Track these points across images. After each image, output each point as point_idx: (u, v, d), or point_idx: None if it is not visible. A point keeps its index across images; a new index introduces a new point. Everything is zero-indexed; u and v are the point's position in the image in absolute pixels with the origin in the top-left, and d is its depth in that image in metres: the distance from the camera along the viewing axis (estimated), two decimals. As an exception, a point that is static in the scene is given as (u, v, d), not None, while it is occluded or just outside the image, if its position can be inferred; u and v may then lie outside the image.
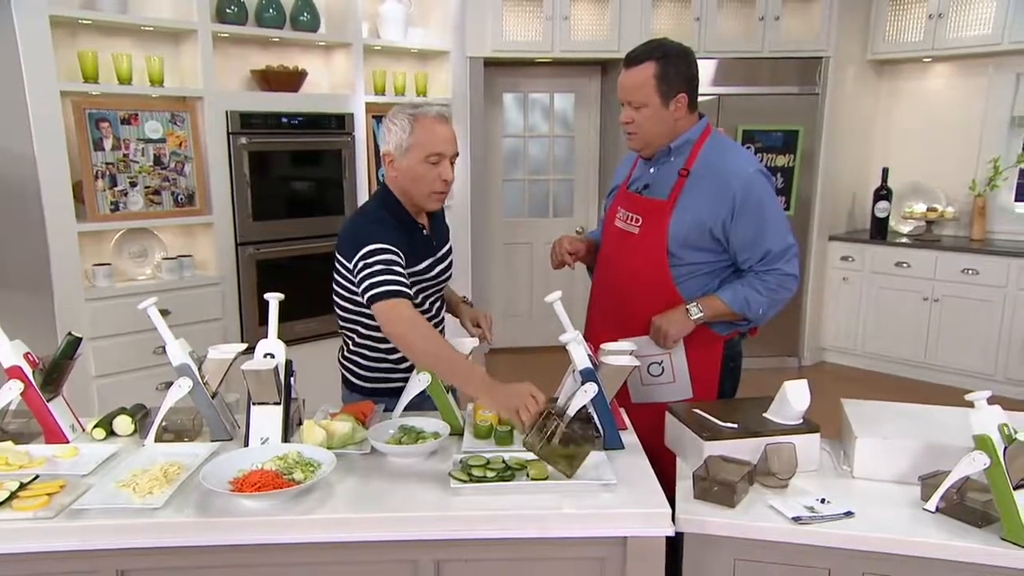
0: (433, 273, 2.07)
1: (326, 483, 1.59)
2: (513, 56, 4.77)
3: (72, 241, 3.12)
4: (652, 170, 2.17)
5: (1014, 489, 1.45)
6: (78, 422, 1.91)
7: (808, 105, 4.89)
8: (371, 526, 1.49)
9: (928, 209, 5.07)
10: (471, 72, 4.65)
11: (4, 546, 1.44)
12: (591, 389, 1.71)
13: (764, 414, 1.80)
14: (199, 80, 3.45)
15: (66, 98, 3.09)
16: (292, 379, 1.83)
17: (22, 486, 1.53)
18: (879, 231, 5.06)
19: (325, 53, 4.15)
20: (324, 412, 1.91)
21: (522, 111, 5.37)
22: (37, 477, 1.59)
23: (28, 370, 1.80)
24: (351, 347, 2.12)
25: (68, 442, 1.81)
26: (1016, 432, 1.49)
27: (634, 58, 2.05)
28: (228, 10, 3.57)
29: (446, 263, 2.14)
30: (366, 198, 4.03)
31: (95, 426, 1.86)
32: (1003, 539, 1.46)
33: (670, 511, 1.51)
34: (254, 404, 1.75)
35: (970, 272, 4.62)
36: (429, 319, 2.05)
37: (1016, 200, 4.92)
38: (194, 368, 1.80)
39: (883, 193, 5.01)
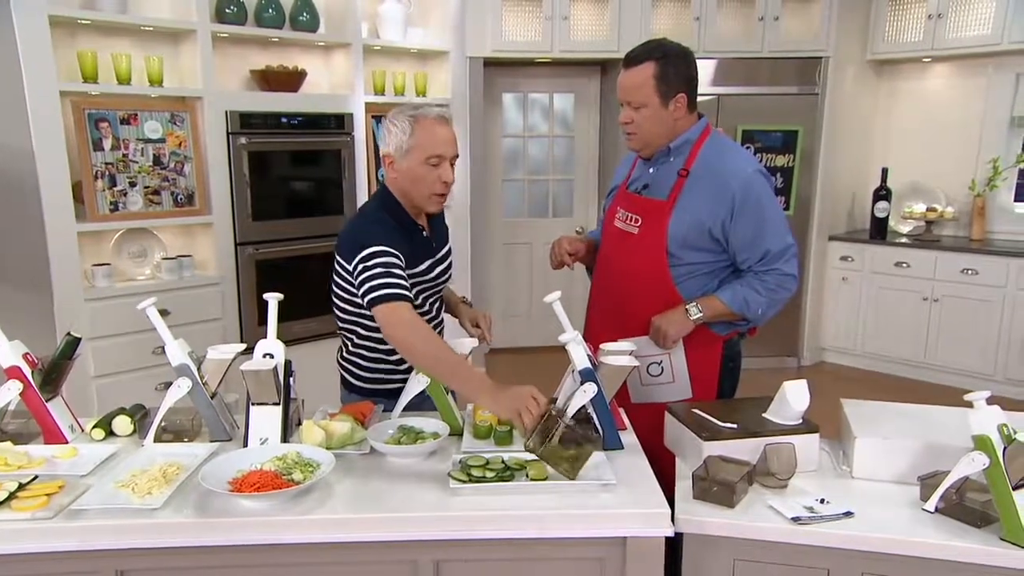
0: (433, 274, 2.07)
1: (325, 483, 1.59)
2: (513, 56, 4.77)
3: (71, 241, 3.12)
4: (651, 170, 2.17)
5: (1013, 489, 1.45)
6: (77, 422, 1.91)
7: (808, 105, 4.90)
8: (370, 526, 1.49)
9: (928, 209, 5.07)
10: (471, 72, 4.64)
11: (3, 547, 1.44)
12: (590, 389, 1.70)
13: (763, 414, 1.80)
14: (198, 80, 3.45)
15: (65, 98, 3.09)
16: (291, 379, 1.83)
17: (21, 486, 1.53)
18: (879, 231, 5.07)
19: (324, 53, 4.15)
20: (323, 412, 1.91)
21: (522, 111, 5.37)
22: (36, 477, 1.59)
23: (27, 370, 1.80)
24: (350, 348, 2.12)
25: (67, 442, 1.81)
26: (1015, 432, 1.49)
27: (633, 58, 2.05)
28: (227, 10, 3.57)
29: (445, 264, 2.14)
30: (365, 198, 4.03)
31: (94, 426, 1.86)
32: (1002, 539, 1.46)
33: (669, 511, 1.51)
34: (253, 404, 1.75)
35: (969, 272, 4.62)
36: (428, 320, 2.05)
37: (1015, 200, 4.92)
38: (193, 368, 1.80)
39: (883, 193, 5.02)
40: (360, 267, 1.85)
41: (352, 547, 1.49)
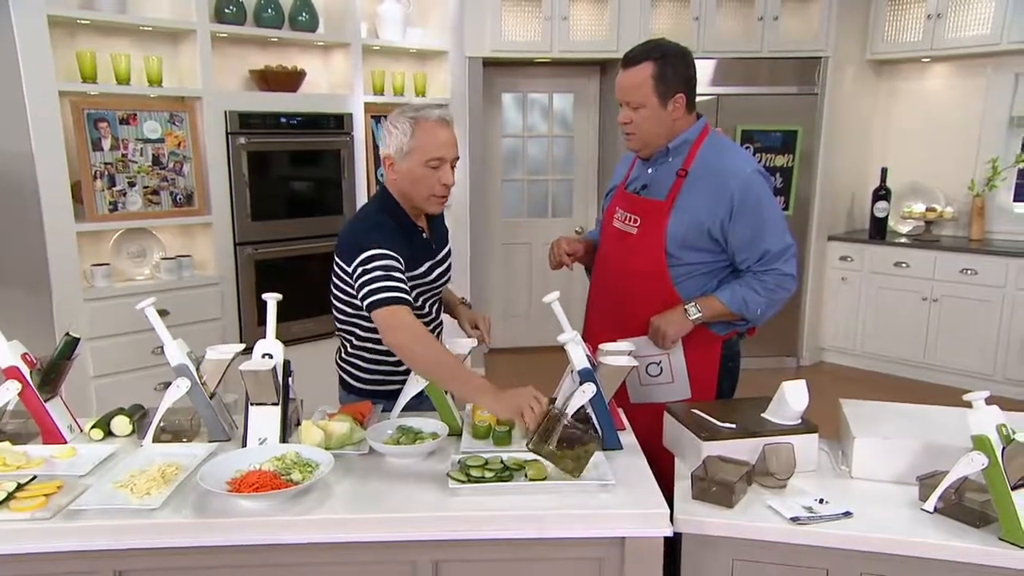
0: (432, 276, 2.06)
1: (324, 484, 1.59)
2: (512, 56, 4.77)
3: (71, 241, 3.12)
4: (650, 170, 2.16)
5: (1012, 489, 1.45)
6: (76, 422, 1.91)
7: (807, 105, 4.90)
8: (369, 527, 1.49)
9: (927, 209, 5.07)
10: (470, 72, 4.65)
11: (1, 547, 1.44)
12: (589, 389, 1.71)
13: (762, 414, 1.80)
14: (198, 80, 3.45)
15: (64, 98, 3.08)
16: (290, 379, 1.83)
17: (19, 487, 1.53)
18: (878, 231, 5.07)
19: (324, 53, 4.15)
20: (322, 412, 1.91)
21: (521, 111, 5.37)
22: (35, 478, 1.59)
23: (26, 370, 1.80)
24: (349, 349, 2.12)
25: (66, 442, 1.81)
26: (1014, 432, 1.49)
27: (632, 58, 2.05)
28: (227, 10, 3.57)
29: (445, 266, 2.14)
30: (365, 198, 4.04)
31: (93, 426, 1.86)
32: (1001, 539, 1.46)
33: (668, 511, 1.51)
34: (252, 404, 1.75)
35: (969, 272, 4.62)
36: (427, 322, 2.05)
37: (1015, 200, 4.92)
38: (192, 368, 1.80)
39: (882, 193, 5.02)
40: (359, 270, 1.84)
41: (351, 547, 1.49)
